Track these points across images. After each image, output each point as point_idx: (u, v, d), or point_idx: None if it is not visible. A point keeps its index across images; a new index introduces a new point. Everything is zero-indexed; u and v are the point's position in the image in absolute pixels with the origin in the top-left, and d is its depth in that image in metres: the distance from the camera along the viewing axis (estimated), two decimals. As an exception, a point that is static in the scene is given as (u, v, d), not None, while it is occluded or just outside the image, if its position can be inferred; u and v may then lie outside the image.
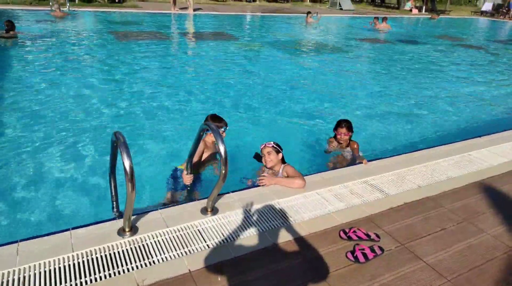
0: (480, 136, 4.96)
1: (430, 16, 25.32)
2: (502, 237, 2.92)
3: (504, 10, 30.81)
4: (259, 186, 3.43)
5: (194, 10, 18.39)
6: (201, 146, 3.69)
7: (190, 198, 3.43)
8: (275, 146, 3.57)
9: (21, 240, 2.51)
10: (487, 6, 32.71)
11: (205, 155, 3.82)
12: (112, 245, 2.54)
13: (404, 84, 8.68)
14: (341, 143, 4.40)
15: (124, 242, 2.58)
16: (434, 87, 8.67)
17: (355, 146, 4.31)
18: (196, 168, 3.76)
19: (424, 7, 30.19)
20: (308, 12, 18.01)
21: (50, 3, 14.72)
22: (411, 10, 28.84)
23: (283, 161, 3.64)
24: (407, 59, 11.74)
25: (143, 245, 2.57)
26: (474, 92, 8.47)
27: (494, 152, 4.49)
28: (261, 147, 3.64)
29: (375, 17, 18.55)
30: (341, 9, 26.34)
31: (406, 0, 30.45)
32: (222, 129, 3.70)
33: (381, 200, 3.34)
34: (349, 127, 4.33)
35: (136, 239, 2.61)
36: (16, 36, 9.97)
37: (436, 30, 19.80)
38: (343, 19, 21.89)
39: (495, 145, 4.70)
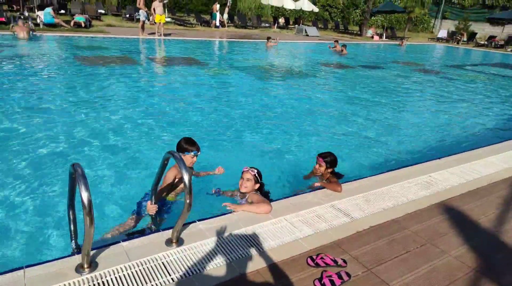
0: (439, 158, 5.16)
1: (398, 43, 26.84)
2: (464, 258, 3.01)
3: (458, 37, 33.02)
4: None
5: (164, 35, 18.45)
6: (174, 172, 3.62)
7: (156, 229, 3.32)
8: (256, 175, 3.62)
9: (-33, 283, 2.33)
10: (443, 33, 35.01)
11: (179, 183, 3.73)
12: (70, 283, 2.40)
13: (367, 108, 8.98)
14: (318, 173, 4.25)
15: (83, 279, 2.44)
16: (395, 110, 9.03)
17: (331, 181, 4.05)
18: (167, 195, 3.68)
19: (384, 34, 31.83)
20: (268, 38, 18.90)
21: (11, 26, 14.33)
22: (372, 37, 30.29)
23: (257, 190, 3.67)
24: (370, 84, 12.21)
25: (102, 282, 2.44)
26: (433, 115, 8.88)
27: (453, 173, 4.67)
28: (244, 170, 3.66)
29: (335, 41, 20.10)
30: (307, 35, 27.27)
31: (368, 28, 32.00)
32: (193, 154, 3.67)
33: (348, 224, 3.36)
34: (328, 161, 4.12)
35: (95, 276, 2.48)
36: None
37: (397, 56, 20.84)
38: (309, 45, 22.65)
39: (454, 166, 4.90)
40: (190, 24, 25.66)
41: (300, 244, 3.02)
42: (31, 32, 14.57)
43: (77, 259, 2.59)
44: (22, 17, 16.58)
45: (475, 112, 9.48)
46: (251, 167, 3.70)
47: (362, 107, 9.03)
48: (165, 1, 18.24)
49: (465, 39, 33.27)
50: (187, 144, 3.68)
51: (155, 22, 18.37)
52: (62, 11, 21.43)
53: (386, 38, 31.38)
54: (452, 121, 8.48)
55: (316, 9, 32.16)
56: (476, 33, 33.82)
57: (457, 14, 39.21)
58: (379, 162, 5.74)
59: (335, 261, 2.76)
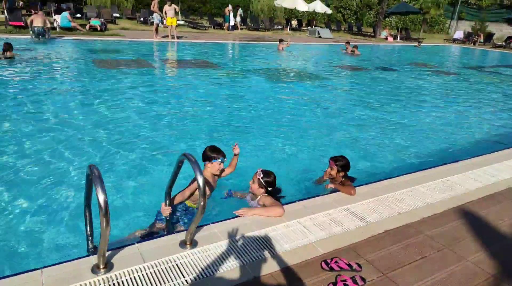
0: (456, 161, 5.07)
1: (415, 44, 26.67)
2: (482, 264, 2.94)
3: (475, 38, 32.43)
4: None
5: (177, 38, 18.62)
6: None
7: (170, 231, 3.34)
8: (260, 179, 3.56)
9: (-13, 281, 2.38)
10: (459, 34, 34.41)
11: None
12: (86, 284, 2.43)
13: (381, 110, 8.89)
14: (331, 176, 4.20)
15: (98, 280, 2.47)
16: (411, 113, 8.91)
17: (345, 184, 4.05)
18: (187, 200, 3.69)
19: (398, 36, 31.48)
20: (280, 40, 18.91)
21: (30, 32, 14.69)
22: (386, 39, 29.98)
23: (266, 192, 3.64)
24: (384, 86, 12.09)
25: (118, 282, 2.46)
26: (450, 118, 8.74)
27: (470, 177, 4.58)
28: (257, 170, 3.63)
29: (346, 42, 20.11)
30: (320, 37, 27.17)
31: (382, 29, 31.69)
32: (220, 160, 3.70)
33: (362, 228, 3.33)
34: (342, 166, 4.07)
35: (111, 276, 2.51)
36: (13, 57, 10.90)
37: (412, 57, 20.58)
38: (322, 47, 22.56)
39: (471, 170, 4.80)
40: (203, 26, 25.83)
41: (314, 248, 2.99)
42: (49, 26, 14.99)
43: (93, 259, 2.62)
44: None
45: (493, 115, 9.29)
46: (264, 171, 3.64)
47: (377, 109, 8.93)
48: (173, 5, 18.39)
49: (482, 40, 32.65)
50: (213, 152, 3.72)
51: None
52: (78, 15, 21.83)
53: (400, 39, 31.02)
54: (469, 124, 8.32)
55: (329, 11, 32.01)
56: (493, 34, 33.14)
57: (473, 14, 38.54)
58: (394, 165, 5.66)
59: (349, 266, 2.73)
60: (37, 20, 14.44)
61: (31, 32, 14.65)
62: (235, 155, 4.15)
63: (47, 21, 15.10)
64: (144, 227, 3.54)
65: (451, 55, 25.37)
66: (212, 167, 3.71)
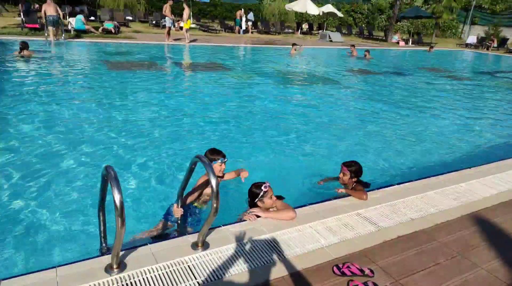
0: (469, 168, 5.00)
1: (427, 49, 26.49)
2: (497, 272, 2.89)
3: (488, 43, 32.03)
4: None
5: (189, 41, 18.78)
6: (205, 178, 3.67)
7: (182, 232, 3.37)
8: (270, 186, 3.43)
9: (3, 279, 2.42)
10: (472, 39, 34.02)
11: (208, 190, 3.78)
12: (99, 283, 2.46)
13: (394, 116, 8.82)
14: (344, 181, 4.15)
15: (112, 279, 2.50)
16: (424, 118, 8.82)
17: (357, 189, 4.00)
18: (196, 201, 3.72)
19: (410, 40, 31.25)
20: (293, 44, 18.86)
21: (46, 34, 14.95)
22: (398, 43, 29.79)
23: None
24: (397, 90, 12.01)
25: (131, 282, 2.49)
26: (463, 123, 8.63)
27: (484, 184, 4.52)
28: (265, 189, 3.37)
29: (351, 45, 20.19)
30: (331, 41, 27.12)
31: (393, 33, 31.50)
32: (219, 161, 3.75)
33: (375, 233, 3.30)
34: (353, 171, 4.05)
35: (124, 277, 2.53)
36: (30, 56, 11.34)
37: (424, 62, 20.41)
38: (333, 51, 22.51)
39: (485, 176, 4.73)
40: (214, 30, 25.99)
41: (325, 252, 2.98)
42: (61, 14, 15.24)
43: (106, 259, 2.65)
44: None
45: (507, 121, 9.15)
46: (258, 184, 3.41)
47: (388, 114, 8.87)
48: (186, 9, 18.69)
49: (495, 45, 32.23)
50: (212, 154, 3.76)
51: (180, 28, 18.80)
52: (92, 18, 22.15)
53: (412, 44, 30.80)
54: (483, 130, 8.21)
55: (340, 14, 31.92)
56: (507, 39, 32.70)
57: (487, 19, 38.10)
58: (406, 170, 5.61)
59: (361, 271, 2.71)
60: (50, 9, 14.66)
61: (45, 22, 14.80)
62: (239, 174, 4.17)
63: (59, 9, 15.30)
64: (151, 228, 3.56)
65: (464, 60, 25.09)
66: (213, 169, 3.72)
